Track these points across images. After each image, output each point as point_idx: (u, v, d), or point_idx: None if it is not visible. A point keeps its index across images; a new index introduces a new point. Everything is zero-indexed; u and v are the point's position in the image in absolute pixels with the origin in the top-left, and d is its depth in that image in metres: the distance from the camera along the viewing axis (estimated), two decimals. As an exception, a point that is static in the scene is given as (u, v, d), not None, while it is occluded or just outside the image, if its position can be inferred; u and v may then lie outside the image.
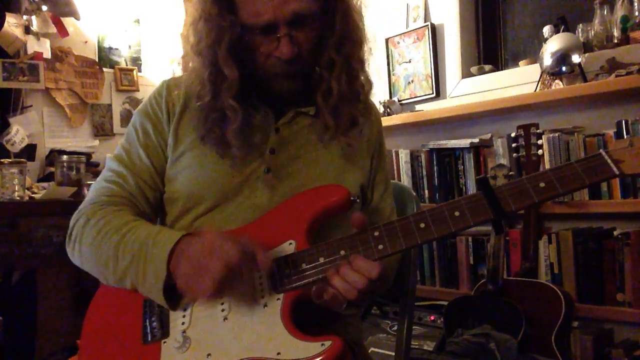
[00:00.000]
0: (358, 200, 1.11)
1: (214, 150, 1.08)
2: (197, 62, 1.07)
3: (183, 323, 0.97)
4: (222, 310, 0.96)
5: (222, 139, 1.06)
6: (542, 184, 0.90)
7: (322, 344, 0.88)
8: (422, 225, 0.93)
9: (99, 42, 3.04)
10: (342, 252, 0.94)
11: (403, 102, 3.06)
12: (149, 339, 0.98)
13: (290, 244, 0.99)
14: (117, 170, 1.12)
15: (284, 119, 1.12)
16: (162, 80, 1.21)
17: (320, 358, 0.87)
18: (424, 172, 2.73)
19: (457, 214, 0.92)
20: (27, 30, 2.70)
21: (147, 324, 0.99)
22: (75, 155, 2.55)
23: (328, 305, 0.92)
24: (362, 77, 1.13)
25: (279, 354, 0.89)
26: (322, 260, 0.95)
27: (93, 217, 1.06)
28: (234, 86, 1.04)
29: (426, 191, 2.72)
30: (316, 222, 1.02)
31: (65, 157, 2.51)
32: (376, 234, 0.94)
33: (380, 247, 0.93)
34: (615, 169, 0.88)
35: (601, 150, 0.90)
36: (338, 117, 1.09)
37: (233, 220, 1.07)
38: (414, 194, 1.46)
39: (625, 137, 2.03)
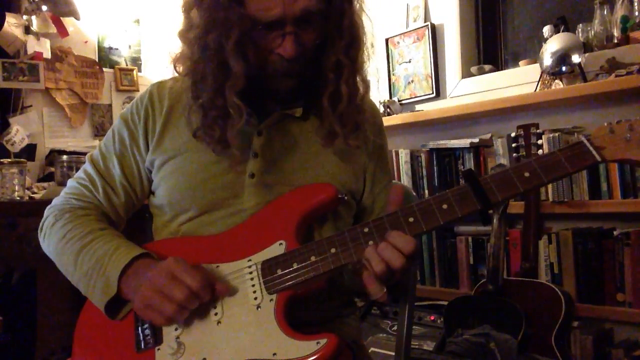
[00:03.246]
0: (346, 197, 1.09)
1: (209, 150, 1.04)
2: (197, 54, 1.01)
3: (176, 329, 0.97)
4: (215, 314, 0.96)
5: (221, 138, 1.02)
6: (526, 174, 0.90)
7: (318, 342, 0.88)
8: (411, 219, 0.92)
9: (99, 42, 3.04)
10: (333, 250, 0.93)
11: (403, 102, 3.05)
12: (142, 346, 0.98)
13: (281, 244, 0.98)
14: (90, 175, 1.14)
15: (267, 121, 1.08)
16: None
17: (316, 356, 0.87)
18: (424, 172, 2.72)
19: (444, 206, 0.92)
20: (27, 30, 2.70)
21: (140, 331, 0.99)
22: (75, 155, 2.56)
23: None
24: (359, 79, 1.09)
25: (274, 354, 0.89)
26: (313, 259, 0.94)
27: (61, 219, 1.09)
28: (240, 83, 0.99)
29: (426, 191, 2.71)
30: (305, 221, 1.02)
31: (65, 157, 2.52)
32: (365, 230, 0.93)
33: (371, 242, 0.92)
34: (597, 155, 0.88)
35: (582, 138, 0.90)
36: (345, 122, 1.06)
37: (220, 226, 1.06)
38: (414, 194, 1.46)
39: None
